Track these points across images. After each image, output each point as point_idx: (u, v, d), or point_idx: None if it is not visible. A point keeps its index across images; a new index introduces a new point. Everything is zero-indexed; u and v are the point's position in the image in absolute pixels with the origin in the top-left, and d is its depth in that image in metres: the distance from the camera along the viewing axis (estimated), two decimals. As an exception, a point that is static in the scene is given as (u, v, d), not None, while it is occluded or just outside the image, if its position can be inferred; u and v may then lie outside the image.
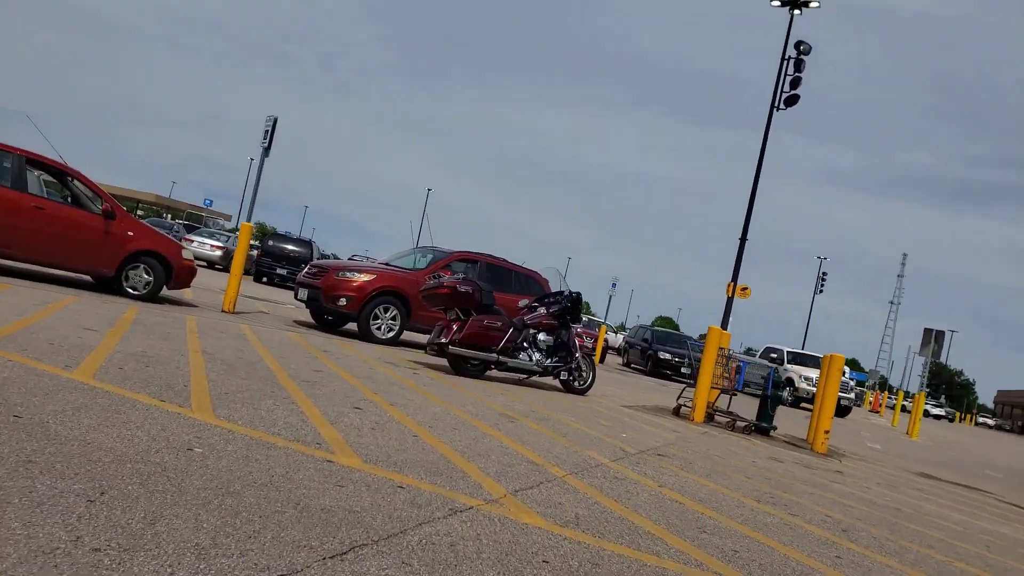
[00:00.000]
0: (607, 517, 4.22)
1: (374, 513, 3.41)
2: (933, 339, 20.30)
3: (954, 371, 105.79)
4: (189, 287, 11.60)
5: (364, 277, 11.94)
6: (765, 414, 10.98)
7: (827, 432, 10.30)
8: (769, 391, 10.89)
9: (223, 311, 11.54)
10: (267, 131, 12.69)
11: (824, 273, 56.04)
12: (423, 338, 14.87)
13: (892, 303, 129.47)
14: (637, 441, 7.37)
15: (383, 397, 6.58)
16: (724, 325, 24.29)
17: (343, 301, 11.73)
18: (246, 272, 29.49)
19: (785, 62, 24.47)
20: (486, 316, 9.67)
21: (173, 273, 10.83)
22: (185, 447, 3.83)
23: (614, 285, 51.81)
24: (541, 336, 10.27)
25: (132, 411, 4.31)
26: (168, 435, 3.97)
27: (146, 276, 10.64)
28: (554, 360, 10.29)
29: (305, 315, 14.42)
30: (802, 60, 24.15)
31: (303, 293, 12.28)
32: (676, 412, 11.12)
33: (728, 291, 24.22)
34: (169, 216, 59.07)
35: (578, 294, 10.45)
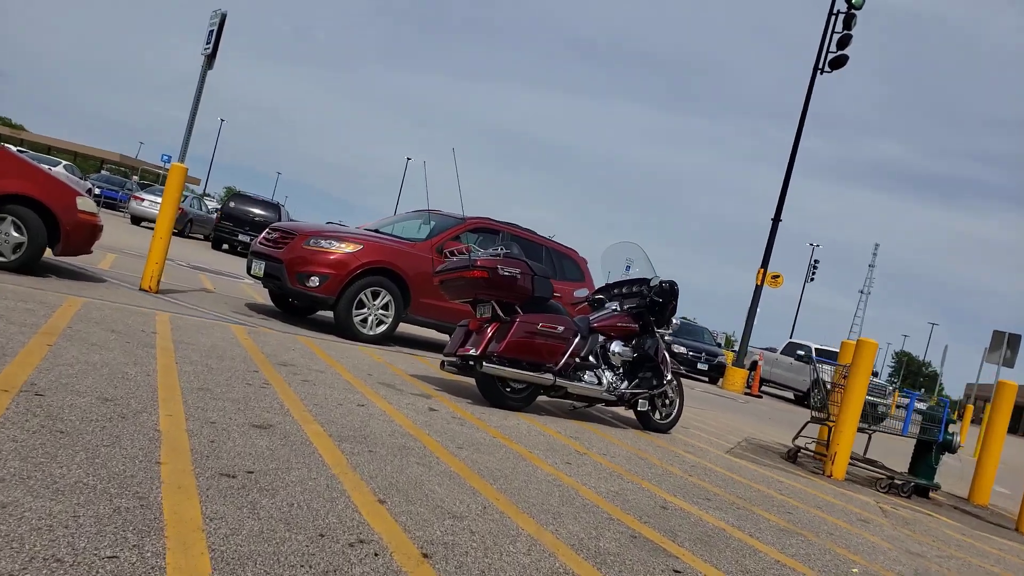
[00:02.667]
0: None
1: None
2: (1006, 343, 17.01)
3: (923, 363, 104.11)
4: (91, 251, 7.75)
5: (346, 247, 8.19)
6: (926, 467, 7.43)
7: (1036, 505, 6.84)
8: (940, 435, 7.36)
9: (141, 289, 7.75)
10: (212, 31, 8.68)
11: (816, 261, 53.02)
12: (423, 333, 11.17)
13: (862, 292, 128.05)
14: None
15: (395, 514, 2.92)
16: (751, 318, 20.89)
17: (315, 280, 7.99)
18: (204, 237, 25.53)
19: (833, 17, 20.94)
20: (540, 315, 6.01)
21: (62, 231, 7.01)
22: None
23: (627, 268, 46.28)
24: (615, 347, 6.63)
25: None
26: None
27: (15, 234, 6.82)
28: (633, 383, 6.66)
29: (265, 293, 10.65)
30: (853, 15, 20.59)
31: (258, 266, 8.50)
32: (793, 459, 7.57)
33: (758, 278, 20.77)
34: (136, 177, 54.42)
35: (672, 284, 6.82)
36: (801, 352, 22.34)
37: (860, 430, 7.46)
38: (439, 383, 6.59)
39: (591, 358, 6.44)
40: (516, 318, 5.86)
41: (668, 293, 6.76)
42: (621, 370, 6.62)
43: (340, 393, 5.00)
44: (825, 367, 7.86)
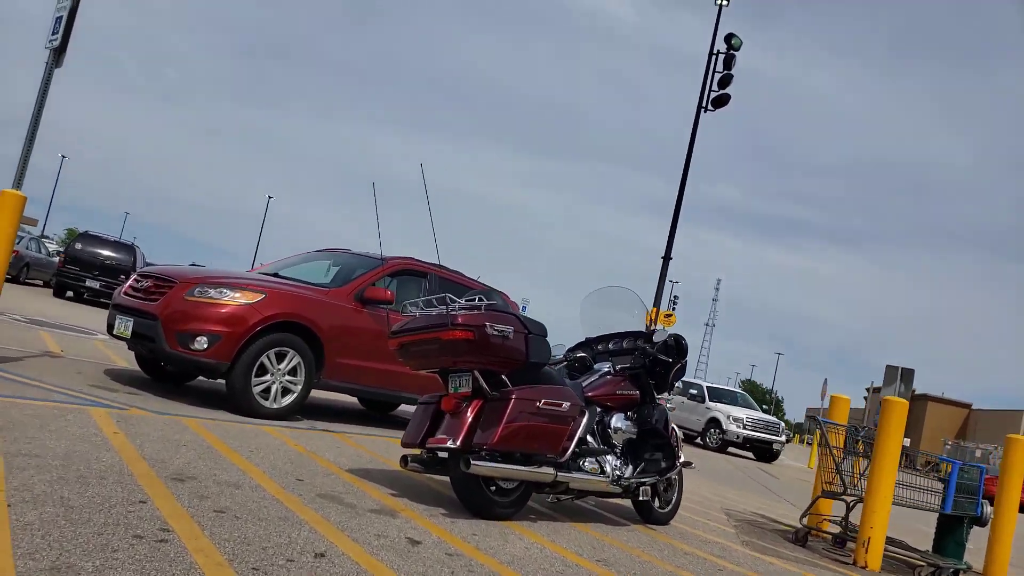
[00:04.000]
0: None
1: None
2: (899, 377, 16.94)
3: (766, 389, 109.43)
4: None
5: (242, 297, 6.29)
6: (954, 544, 6.23)
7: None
8: (978, 509, 6.21)
9: (-48, 361, 5.53)
10: (60, 18, 6.51)
11: (675, 297, 54.17)
12: (331, 398, 9.23)
13: (707, 325, 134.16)
14: None
15: None
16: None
17: (202, 341, 6.04)
18: (44, 284, 21.98)
19: (713, 57, 20.83)
20: (538, 389, 4.42)
21: None
22: None
23: (524, 308, 38.59)
24: (616, 421, 5.15)
25: None
26: None
27: None
28: (638, 468, 5.17)
29: (126, 350, 8.42)
30: (732, 56, 20.56)
31: (124, 323, 6.42)
32: (803, 542, 6.28)
33: (650, 318, 20.00)
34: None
35: (680, 339, 5.42)
36: (694, 391, 21.77)
37: (832, 495, 6.26)
38: (391, 483, 4.85)
39: (590, 438, 4.91)
40: (511, 394, 4.26)
41: (675, 350, 5.37)
42: (622, 451, 5.14)
43: (278, 529, 3.21)
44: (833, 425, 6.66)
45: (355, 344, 6.97)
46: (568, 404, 4.47)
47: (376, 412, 9.14)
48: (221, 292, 6.29)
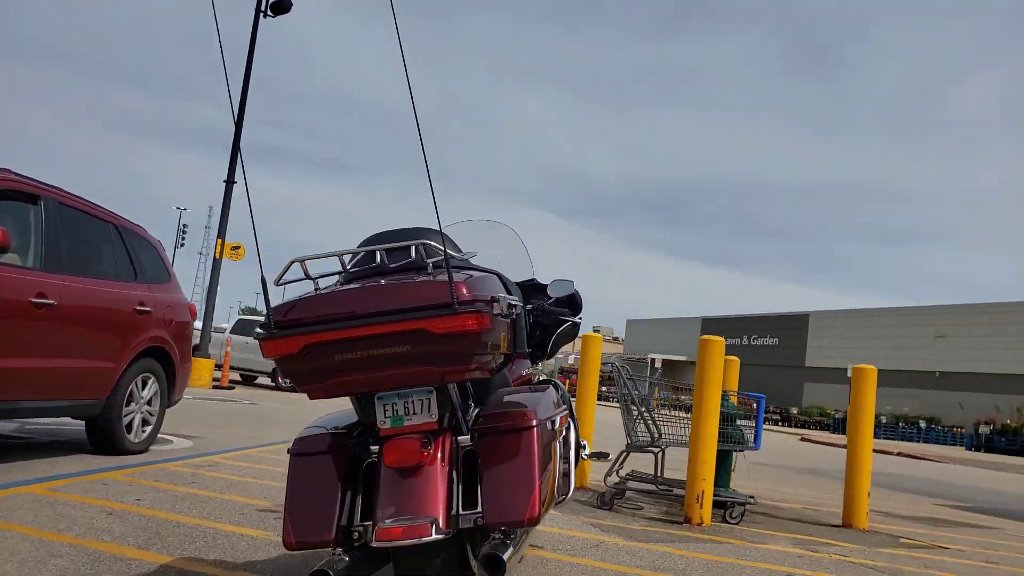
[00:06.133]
0: None
1: None
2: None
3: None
4: None
5: None
6: (723, 472, 5.86)
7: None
8: (758, 442, 5.87)
9: None
10: None
11: (185, 226, 48.87)
12: None
13: (200, 254, 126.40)
14: None
15: None
16: (212, 298, 17.12)
17: None
18: None
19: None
20: (525, 396, 2.47)
21: None
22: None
23: None
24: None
25: None
26: None
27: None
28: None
29: None
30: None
31: None
32: (608, 503, 5.35)
33: (217, 252, 17.03)
34: None
35: (573, 294, 3.81)
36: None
37: (641, 448, 5.57)
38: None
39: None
40: (524, 420, 2.26)
41: (568, 306, 3.80)
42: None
43: None
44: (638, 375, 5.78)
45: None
46: (569, 414, 2.67)
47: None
48: None
